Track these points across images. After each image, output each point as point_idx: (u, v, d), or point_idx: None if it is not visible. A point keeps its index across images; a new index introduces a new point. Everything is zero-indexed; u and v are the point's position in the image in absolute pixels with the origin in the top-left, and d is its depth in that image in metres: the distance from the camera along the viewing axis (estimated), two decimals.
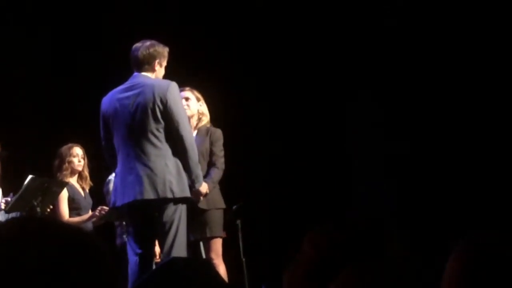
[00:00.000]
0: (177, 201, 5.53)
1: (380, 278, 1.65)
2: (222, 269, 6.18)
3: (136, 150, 5.53)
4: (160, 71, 5.73)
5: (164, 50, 5.73)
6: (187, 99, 6.32)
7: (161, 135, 5.54)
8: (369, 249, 1.76)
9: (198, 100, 6.48)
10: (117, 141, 5.64)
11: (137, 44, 5.72)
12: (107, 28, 8.11)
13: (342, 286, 1.61)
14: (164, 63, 5.73)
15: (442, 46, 7.57)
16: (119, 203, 5.60)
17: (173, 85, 5.62)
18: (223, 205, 6.39)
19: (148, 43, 5.70)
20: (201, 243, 6.38)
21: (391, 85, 7.91)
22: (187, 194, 5.59)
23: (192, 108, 6.37)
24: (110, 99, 5.68)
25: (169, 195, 5.48)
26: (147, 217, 5.56)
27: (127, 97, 5.59)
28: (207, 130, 6.47)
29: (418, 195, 7.60)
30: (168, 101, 5.52)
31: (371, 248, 1.77)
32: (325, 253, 1.76)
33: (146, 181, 5.46)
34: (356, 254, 1.74)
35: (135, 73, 5.69)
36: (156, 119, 5.53)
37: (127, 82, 5.69)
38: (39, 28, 8.26)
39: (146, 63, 5.66)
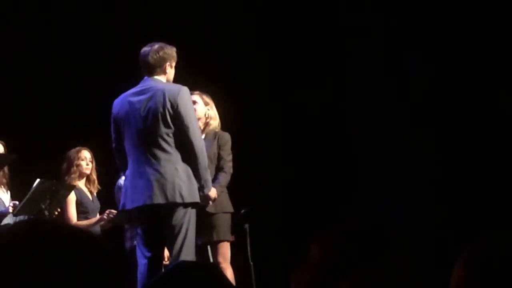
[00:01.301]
0: (186, 205, 5.55)
1: (386, 279, 1.65)
2: (229, 273, 6.18)
3: (146, 155, 5.55)
4: (171, 72, 5.74)
5: (173, 51, 5.74)
6: (194, 102, 6.32)
7: (171, 140, 5.55)
8: (375, 251, 1.76)
9: (206, 104, 6.48)
10: (127, 145, 5.65)
11: (145, 48, 5.72)
12: (115, 30, 8.11)
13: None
14: (174, 63, 5.74)
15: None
16: (128, 206, 5.62)
17: (184, 90, 5.63)
18: (231, 209, 6.39)
19: (156, 46, 5.70)
20: (209, 247, 6.38)
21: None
22: (197, 199, 5.61)
23: (199, 112, 6.36)
24: (121, 102, 5.70)
25: (179, 200, 5.49)
26: (156, 221, 5.58)
27: (139, 101, 5.60)
28: (215, 134, 6.47)
29: (422, 197, 7.59)
30: (179, 106, 5.54)
31: (377, 249, 1.76)
32: (331, 256, 1.76)
33: (155, 186, 5.48)
34: (362, 256, 1.74)
35: (146, 77, 5.70)
36: (166, 124, 5.54)
37: (138, 86, 5.70)
38: (46, 31, 8.27)
39: (158, 67, 5.68)
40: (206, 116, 6.45)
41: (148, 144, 5.55)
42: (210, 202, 6.03)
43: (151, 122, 5.55)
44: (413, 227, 7.01)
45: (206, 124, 6.46)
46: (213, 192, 5.98)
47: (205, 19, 8.24)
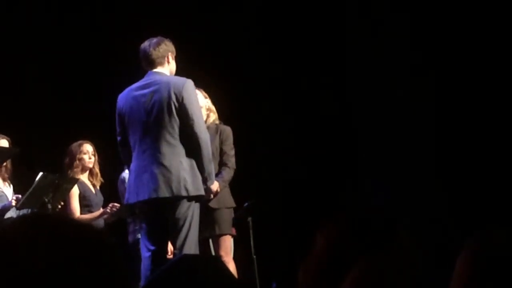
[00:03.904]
0: (191, 198, 5.55)
1: (392, 267, 1.65)
2: (231, 267, 6.18)
3: (151, 148, 5.55)
4: (173, 64, 5.77)
5: (171, 43, 5.78)
6: None
7: (176, 133, 5.56)
8: (380, 240, 1.76)
9: (205, 98, 6.49)
10: (132, 138, 5.65)
11: (145, 44, 5.74)
12: (116, 26, 8.11)
13: (356, 280, 1.61)
14: (174, 55, 5.77)
15: None
16: (132, 200, 5.62)
17: (189, 83, 5.65)
18: (233, 204, 6.40)
19: (155, 40, 5.73)
20: (210, 241, 6.39)
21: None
22: (202, 192, 5.61)
23: (199, 101, 6.36)
24: (126, 96, 5.70)
25: (184, 193, 5.49)
26: (161, 214, 5.58)
27: (144, 95, 5.61)
28: (217, 128, 6.46)
29: (426, 190, 7.59)
30: (184, 99, 5.54)
31: (382, 238, 1.76)
32: (337, 246, 1.76)
33: (160, 179, 5.48)
34: (367, 245, 1.74)
35: (150, 71, 5.71)
36: (171, 117, 5.54)
37: (143, 80, 5.71)
38: (49, 25, 8.27)
39: (160, 60, 5.69)
40: (207, 107, 6.46)
41: (153, 137, 5.55)
42: (212, 196, 6.03)
43: (156, 115, 5.55)
44: (415, 219, 7.01)
45: (207, 116, 6.46)
46: (215, 186, 6.00)
47: (202, 11, 8.26)
